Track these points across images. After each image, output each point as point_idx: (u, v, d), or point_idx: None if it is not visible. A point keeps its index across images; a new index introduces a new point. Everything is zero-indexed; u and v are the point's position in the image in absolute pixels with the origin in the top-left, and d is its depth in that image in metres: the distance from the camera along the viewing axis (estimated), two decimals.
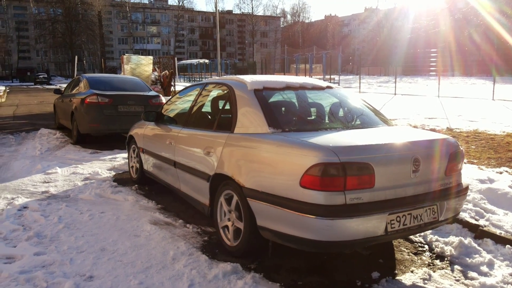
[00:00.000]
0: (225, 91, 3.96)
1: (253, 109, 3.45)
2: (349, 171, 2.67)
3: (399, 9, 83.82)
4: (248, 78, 3.86)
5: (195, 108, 4.40)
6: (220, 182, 3.58)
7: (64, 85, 35.84)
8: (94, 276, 3.10)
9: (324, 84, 4.13)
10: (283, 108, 3.68)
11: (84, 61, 58.50)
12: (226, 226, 3.54)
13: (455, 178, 3.27)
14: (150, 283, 2.99)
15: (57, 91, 10.95)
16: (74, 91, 9.57)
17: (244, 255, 3.37)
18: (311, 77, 25.46)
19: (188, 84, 33.31)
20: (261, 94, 3.59)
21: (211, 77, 41.37)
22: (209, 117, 4.28)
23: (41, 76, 53.59)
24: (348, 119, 3.72)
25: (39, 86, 46.23)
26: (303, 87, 3.96)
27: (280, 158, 2.93)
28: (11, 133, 10.16)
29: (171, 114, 4.96)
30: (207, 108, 4.37)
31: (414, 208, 2.94)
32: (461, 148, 3.35)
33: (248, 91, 3.62)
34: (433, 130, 9.07)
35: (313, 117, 3.68)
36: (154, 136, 5.04)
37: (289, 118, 3.55)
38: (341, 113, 3.83)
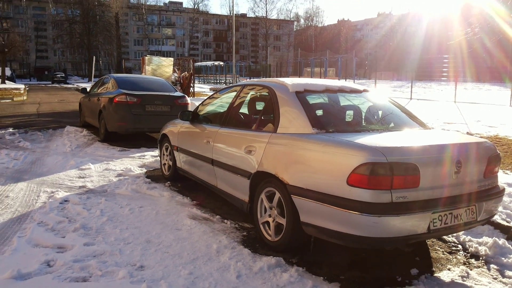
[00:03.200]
0: (266, 93, 4.11)
1: (296, 110, 3.59)
2: (396, 171, 2.80)
3: (413, 15, 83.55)
4: (288, 80, 4.01)
5: (233, 109, 4.55)
6: (261, 180, 3.72)
7: (82, 84, 36.51)
8: (145, 266, 3.25)
9: (361, 87, 4.27)
10: (323, 110, 3.82)
11: (101, 61, 59.19)
12: (267, 222, 3.68)
13: (493, 180, 3.38)
14: (199, 274, 3.14)
15: (83, 90, 11.21)
16: (101, 90, 9.81)
17: (286, 250, 3.50)
18: None
19: (204, 86, 33.33)
20: (303, 96, 3.73)
21: (225, 79, 41.66)
22: (249, 117, 4.43)
23: (59, 75, 54.61)
24: (386, 121, 3.84)
25: (57, 85, 46.97)
26: (341, 90, 4.10)
27: (326, 157, 3.06)
28: (38, 130, 10.43)
29: (208, 114, 5.11)
30: (246, 109, 4.53)
31: (455, 208, 3.05)
32: (498, 152, 3.45)
33: (289, 93, 3.77)
34: None
35: (352, 119, 3.81)
36: (189, 135, 5.21)
37: (330, 120, 3.68)
38: (378, 115, 3.95)
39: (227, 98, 4.87)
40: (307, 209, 3.18)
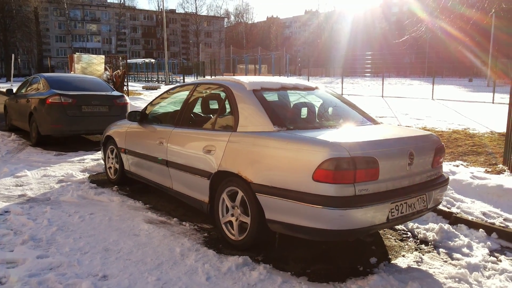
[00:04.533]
0: (221, 91, 4.10)
1: (255, 108, 3.62)
2: (358, 165, 2.93)
3: (339, 12, 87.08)
4: (244, 79, 4.02)
5: (187, 108, 4.48)
6: (222, 179, 3.71)
7: (1, 85, 33.63)
8: (108, 275, 3.12)
9: (313, 85, 4.39)
10: (281, 107, 3.89)
11: (19, 60, 55.18)
12: (229, 222, 3.68)
13: (439, 170, 3.66)
14: (167, 279, 3.07)
15: (9, 91, 10.40)
16: (30, 91, 9.17)
17: (250, 248, 3.53)
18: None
19: (136, 84, 32.20)
20: (260, 94, 3.77)
21: (157, 77, 40.66)
22: (205, 116, 4.39)
23: None
24: (340, 117, 4.00)
25: None
26: (296, 88, 4.19)
27: (291, 154, 3.13)
28: None
29: (159, 114, 4.99)
30: (201, 108, 4.47)
31: (410, 197, 3.25)
32: (443, 143, 3.73)
33: (247, 91, 3.79)
34: None
35: (308, 116, 3.92)
36: (139, 136, 5.05)
37: (289, 117, 3.75)
38: (331, 111, 4.10)
39: (179, 98, 4.79)
40: (272, 206, 3.23)
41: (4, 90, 12.07)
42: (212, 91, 4.39)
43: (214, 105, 4.47)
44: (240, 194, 3.51)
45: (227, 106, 3.95)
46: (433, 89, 19.12)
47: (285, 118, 3.65)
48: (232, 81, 4.06)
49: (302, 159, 3.05)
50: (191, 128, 4.28)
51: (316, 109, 4.08)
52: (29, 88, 9.39)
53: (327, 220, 2.94)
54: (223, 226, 3.73)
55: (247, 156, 3.45)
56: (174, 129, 4.40)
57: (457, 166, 6.19)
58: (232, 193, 3.63)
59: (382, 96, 20.83)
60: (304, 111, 3.97)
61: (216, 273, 3.16)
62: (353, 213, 2.92)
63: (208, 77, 29.44)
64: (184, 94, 4.65)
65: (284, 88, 4.08)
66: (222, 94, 4.07)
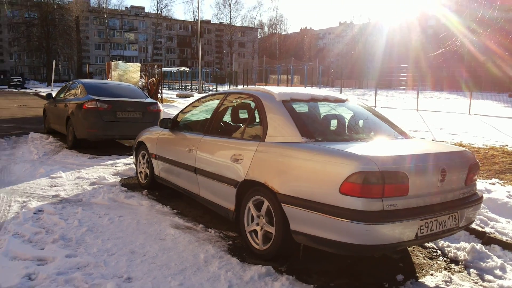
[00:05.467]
0: (251, 101, 4.12)
1: (284, 118, 3.62)
2: (387, 179, 2.87)
3: (373, 24, 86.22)
4: (274, 89, 4.04)
5: (217, 117, 4.53)
6: (248, 188, 3.71)
7: (41, 89, 35.10)
8: (132, 278, 3.17)
9: (344, 97, 4.36)
10: (310, 119, 3.87)
11: (60, 66, 57.35)
12: (254, 231, 3.68)
13: (472, 188, 3.53)
14: (190, 284, 3.09)
15: (48, 95, 10.83)
16: (68, 96, 9.51)
17: (274, 258, 3.50)
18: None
19: (170, 92, 32.92)
20: (290, 105, 3.77)
21: (191, 85, 41.34)
22: (234, 126, 4.43)
23: (16, 80, 52.47)
24: (370, 130, 3.95)
25: (14, 90, 45.01)
26: (326, 99, 4.17)
27: (318, 166, 3.10)
28: (0, 136, 9.97)
29: (189, 122, 5.06)
30: (230, 117, 4.51)
31: (440, 215, 3.16)
32: (477, 160, 3.61)
33: (276, 102, 3.80)
34: None
35: (338, 128, 3.89)
36: (169, 143, 5.14)
37: (318, 128, 3.73)
38: (362, 124, 4.05)
39: (209, 106, 4.85)
40: (297, 217, 3.20)
41: (44, 94, 12.58)
42: (242, 101, 4.42)
43: (243, 115, 4.50)
44: (266, 203, 3.50)
45: (256, 116, 3.97)
46: (470, 103, 18.59)
47: (314, 129, 3.63)
48: (262, 91, 4.08)
49: (329, 171, 3.02)
50: (220, 137, 4.32)
51: (346, 121, 4.04)
52: (67, 93, 9.74)
53: (352, 235, 2.89)
54: (248, 235, 3.73)
55: (274, 166, 3.44)
56: (204, 137, 4.46)
57: (493, 184, 5.98)
58: (258, 202, 3.63)
59: (417, 110, 20.41)
60: (333, 123, 3.94)
61: (238, 281, 3.16)
62: (380, 228, 2.86)
63: (240, 87, 29.71)
64: (214, 103, 4.70)
65: (314, 99, 4.06)
66: (252, 104, 4.09)
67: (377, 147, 3.38)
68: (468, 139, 10.59)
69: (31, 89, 45.99)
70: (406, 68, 30.80)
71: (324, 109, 4.16)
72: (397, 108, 22.18)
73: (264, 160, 3.56)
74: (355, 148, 3.17)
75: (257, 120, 3.95)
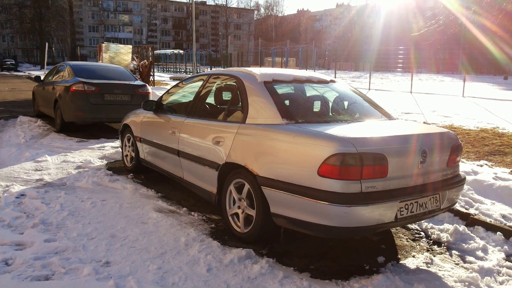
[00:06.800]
0: (233, 83, 4.04)
1: (265, 100, 3.56)
2: (365, 161, 2.83)
3: (371, 6, 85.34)
4: (256, 70, 3.96)
5: (200, 99, 4.45)
6: (230, 171, 3.67)
7: (34, 72, 34.71)
8: (111, 262, 3.14)
9: (328, 78, 4.28)
10: (292, 100, 3.80)
11: (53, 48, 56.66)
12: (236, 214, 3.65)
13: (455, 169, 3.50)
14: (168, 268, 3.06)
15: (37, 78, 10.67)
16: (56, 79, 9.37)
17: (255, 241, 3.48)
18: None
19: (164, 75, 32.60)
20: (271, 86, 3.70)
21: (185, 68, 40.97)
22: (216, 107, 4.35)
23: (8, 62, 51.69)
24: (353, 112, 3.89)
25: (6, 73, 44.56)
26: (309, 81, 4.10)
27: (297, 148, 3.05)
28: None
29: (173, 104, 4.99)
30: (213, 99, 4.44)
31: (421, 196, 3.13)
32: (460, 142, 3.57)
33: (258, 83, 3.72)
34: None
35: (320, 110, 3.82)
36: (154, 126, 5.07)
37: (299, 110, 3.67)
38: (345, 106, 3.98)
39: (192, 88, 4.77)
40: (277, 200, 3.17)
41: (33, 77, 12.42)
42: (224, 82, 4.34)
43: (226, 96, 4.43)
44: (247, 186, 3.46)
45: (238, 97, 3.90)
46: (464, 85, 18.49)
47: (295, 111, 3.57)
48: (244, 72, 4.00)
49: (307, 153, 2.97)
50: (202, 119, 4.25)
51: (330, 103, 3.97)
52: (56, 76, 9.59)
53: (331, 217, 2.85)
54: (230, 218, 3.70)
55: (253, 149, 3.39)
56: (186, 119, 4.39)
57: (481, 166, 5.96)
58: (239, 185, 3.59)
59: (411, 92, 20.31)
60: (316, 105, 3.87)
61: (218, 264, 3.13)
62: (359, 210, 2.83)
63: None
64: (197, 85, 4.62)
65: (296, 80, 3.99)
66: (234, 85, 4.02)
67: (357, 129, 3.32)
68: (460, 121, 10.54)
69: (24, 72, 45.54)
70: (403, 50, 30.54)
71: (308, 91, 4.09)
72: (391, 90, 22.07)
73: (244, 142, 3.50)
74: (335, 129, 3.12)
75: (239, 101, 3.88)
